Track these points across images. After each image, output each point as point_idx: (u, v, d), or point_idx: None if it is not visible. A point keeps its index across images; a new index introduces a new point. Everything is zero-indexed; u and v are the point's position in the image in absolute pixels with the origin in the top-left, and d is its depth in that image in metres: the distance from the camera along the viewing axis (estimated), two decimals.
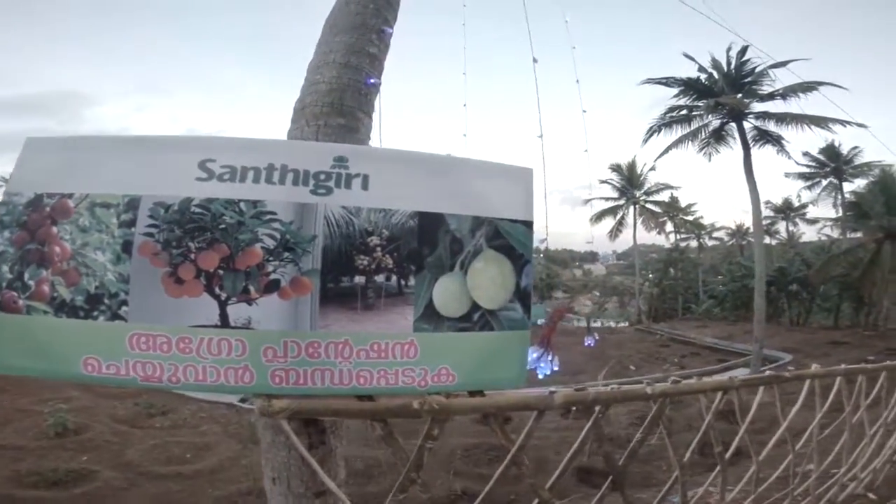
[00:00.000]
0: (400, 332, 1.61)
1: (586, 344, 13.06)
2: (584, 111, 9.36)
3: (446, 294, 1.66)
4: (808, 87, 13.43)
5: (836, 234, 30.67)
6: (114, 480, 7.01)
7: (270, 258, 1.55)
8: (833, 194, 30.58)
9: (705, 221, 38.68)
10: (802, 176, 31.39)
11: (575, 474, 7.42)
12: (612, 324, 32.37)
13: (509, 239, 1.70)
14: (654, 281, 37.52)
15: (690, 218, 38.38)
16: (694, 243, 40.05)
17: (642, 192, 32.66)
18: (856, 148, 29.29)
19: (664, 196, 34.34)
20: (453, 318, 1.66)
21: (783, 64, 13.57)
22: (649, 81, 15.46)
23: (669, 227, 38.36)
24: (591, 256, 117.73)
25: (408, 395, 1.60)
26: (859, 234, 26.00)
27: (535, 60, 8.05)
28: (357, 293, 1.61)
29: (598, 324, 31.30)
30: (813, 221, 35.83)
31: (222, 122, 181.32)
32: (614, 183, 33.09)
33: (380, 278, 1.64)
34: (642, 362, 16.53)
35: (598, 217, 33.58)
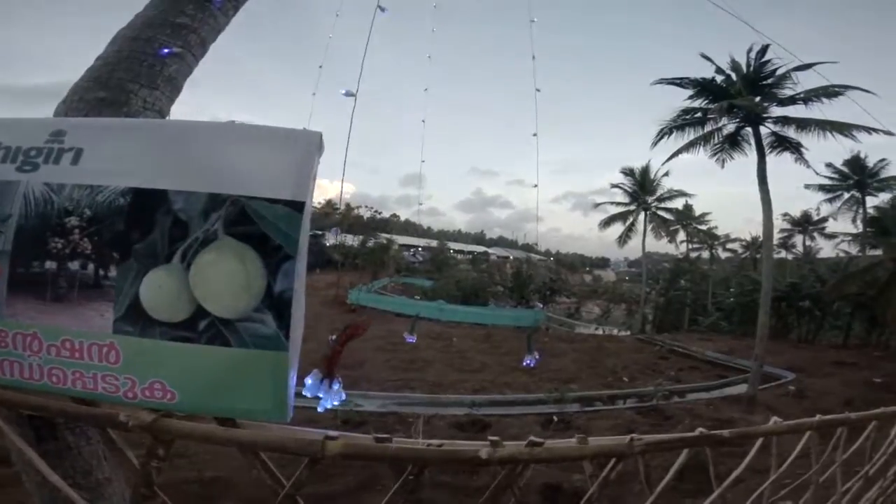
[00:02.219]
0: (98, 331, 1.32)
1: (525, 364, 12.42)
2: (538, 90, 8.94)
3: (158, 292, 1.28)
4: (832, 91, 12.57)
5: (854, 250, 29.50)
6: None
7: None
8: (854, 208, 29.43)
9: (720, 232, 37.63)
10: (823, 188, 30.27)
11: (541, 492, 7.01)
12: (615, 331, 31.62)
13: (262, 224, 1.26)
14: (660, 290, 36.64)
15: (704, 227, 37.41)
16: (706, 254, 39.02)
17: (654, 198, 31.74)
18: (883, 160, 28.08)
19: (678, 203, 33.46)
20: (168, 324, 1.29)
21: (807, 66, 12.60)
22: (662, 81, 14.77)
23: (682, 235, 37.50)
24: (603, 262, 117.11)
25: (121, 405, 1.36)
26: (879, 252, 24.98)
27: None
28: (48, 281, 1.32)
29: (598, 331, 30.66)
30: (831, 236, 34.62)
31: (245, 112, 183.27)
32: (626, 187, 32.26)
33: (74, 265, 1.30)
34: (638, 374, 15.90)
35: (608, 222, 32.89)
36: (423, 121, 11.07)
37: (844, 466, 2.66)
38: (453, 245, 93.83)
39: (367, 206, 48.23)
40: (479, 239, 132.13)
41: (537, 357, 11.18)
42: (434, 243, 79.69)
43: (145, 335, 1.29)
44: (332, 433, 1.38)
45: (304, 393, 1.62)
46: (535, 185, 9.25)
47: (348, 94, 4.22)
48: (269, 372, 1.31)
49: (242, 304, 1.26)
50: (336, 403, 1.76)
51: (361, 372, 14.52)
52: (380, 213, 50.15)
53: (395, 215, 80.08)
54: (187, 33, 2.20)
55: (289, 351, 1.31)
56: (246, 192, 1.28)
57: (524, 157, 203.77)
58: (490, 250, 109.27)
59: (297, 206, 1.29)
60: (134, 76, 2.00)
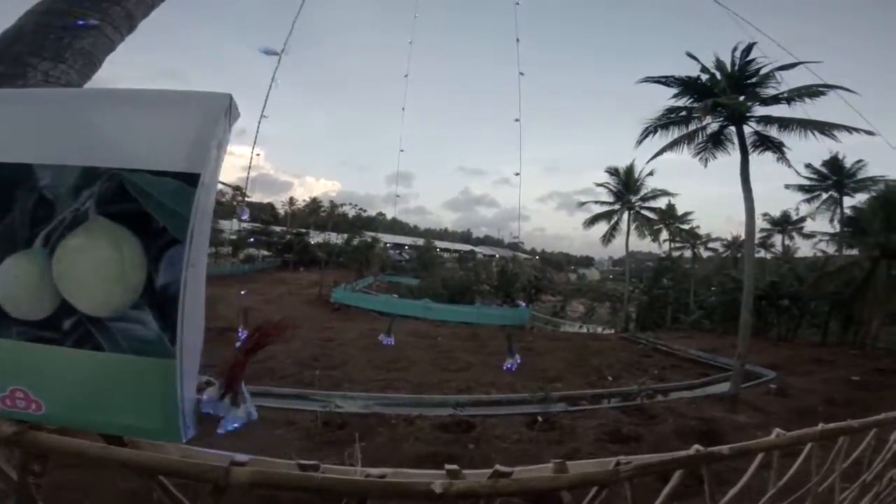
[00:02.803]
0: None
1: (506, 368, 12.18)
2: (522, 73, 8.84)
3: (15, 283, 1.05)
4: (815, 91, 12.60)
5: (831, 250, 30.11)
6: None
7: None
8: (832, 208, 30.04)
9: (702, 231, 38.13)
10: (803, 188, 30.85)
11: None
12: (600, 329, 31.79)
13: (144, 202, 1.04)
14: (643, 289, 36.97)
15: (686, 227, 37.83)
16: (688, 253, 39.49)
17: (638, 197, 31.96)
18: (860, 161, 28.75)
19: (661, 203, 33.77)
20: (27, 322, 1.06)
21: (791, 66, 12.67)
22: (648, 80, 14.71)
23: (665, 234, 37.88)
24: (587, 261, 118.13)
25: None
26: (855, 252, 25.52)
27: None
28: None
29: (582, 329, 30.78)
30: (810, 236, 35.34)
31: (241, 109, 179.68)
32: (610, 187, 32.44)
33: None
34: (622, 372, 15.90)
35: (592, 221, 33.05)
36: (403, 108, 10.87)
37: (841, 474, 2.56)
38: (440, 244, 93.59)
39: (350, 204, 47.60)
40: (465, 237, 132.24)
41: (518, 360, 11.07)
42: (421, 242, 79.31)
43: (0, 335, 1.07)
44: (240, 457, 1.15)
45: (203, 410, 1.35)
46: (517, 174, 9.07)
47: (268, 52, 3.85)
48: (152, 383, 1.09)
49: (116, 299, 1.04)
50: (238, 424, 1.50)
51: (343, 372, 14.27)
52: (364, 211, 49.56)
53: (381, 214, 79.40)
54: (109, 6, 2.07)
55: (177, 358, 1.08)
56: (128, 164, 1.05)
57: (511, 157, 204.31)
58: (477, 249, 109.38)
59: (190, 180, 1.06)
60: (35, 49, 1.86)
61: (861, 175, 28.50)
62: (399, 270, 60.59)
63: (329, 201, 53.56)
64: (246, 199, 19.39)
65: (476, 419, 9.76)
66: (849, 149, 34.05)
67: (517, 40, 8.11)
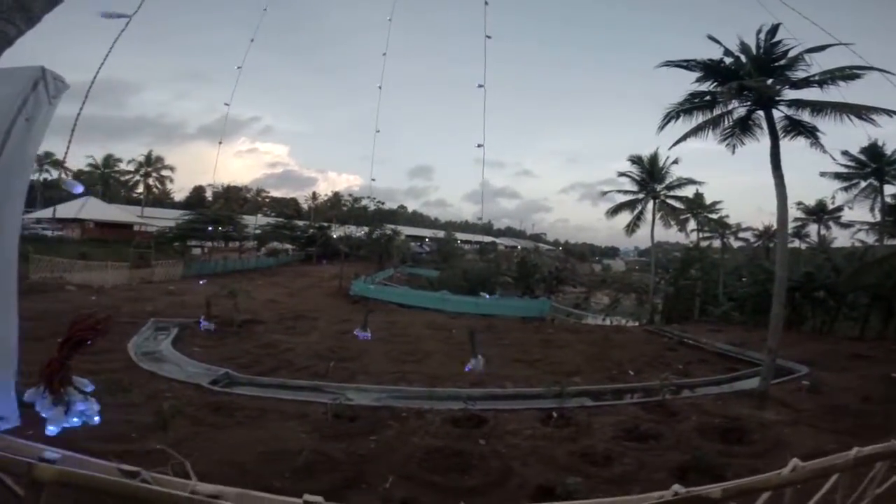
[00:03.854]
0: None
1: (467, 369, 11.62)
2: (489, 36, 8.40)
3: None
4: (850, 74, 11.75)
5: (871, 239, 28.55)
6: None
7: None
8: (872, 196, 28.47)
9: (731, 220, 36.79)
10: (840, 176, 29.37)
11: (533, 496, 6.63)
12: (624, 322, 31.06)
13: None
14: (670, 280, 35.93)
15: (715, 216, 36.57)
16: (717, 243, 38.18)
17: (663, 186, 30.97)
18: None
19: (688, 192, 32.67)
20: None
21: (822, 48, 11.91)
22: (668, 64, 14.03)
23: (692, 224, 36.69)
24: (612, 251, 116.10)
25: None
26: None
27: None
28: None
29: (605, 322, 30.11)
30: (847, 225, 33.66)
31: (261, 110, 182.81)
32: (633, 175, 31.53)
33: None
34: (644, 366, 15.40)
35: (615, 211, 32.25)
36: (379, 87, 10.70)
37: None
38: (461, 235, 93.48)
39: (369, 198, 47.86)
40: (486, 229, 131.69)
41: (482, 361, 10.66)
42: (441, 234, 79.34)
43: None
44: (50, 454, 0.99)
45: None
46: (480, 145, 8.54)
47: (111, 15, 3.39)
48: None
49: None
50: (66, 425, 1.33)
51: (359, 364, 14.27)
52: (382, 204, 49.75)
53: (402, 206, 79.90)
54: None
55: None
56: None
57: (531, 149, 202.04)
58: (498, 240, 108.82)
59: None
60: None
61: None
62: (420, 262, 60.76)
63: (350, 195, 53.97)
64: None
65: (489, 413, 9.58)
66: (890, 135, 32.21)
67: (486, 3, 7.82)
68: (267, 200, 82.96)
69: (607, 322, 30.00)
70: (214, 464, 6.94)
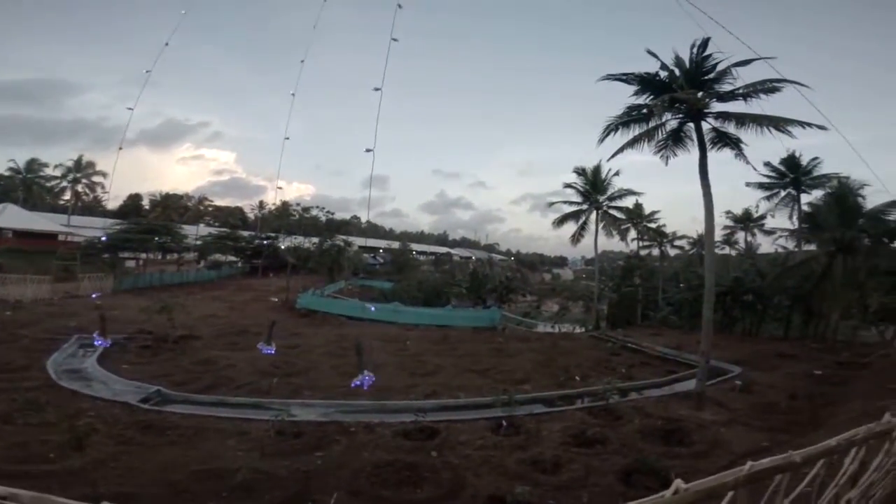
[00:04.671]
0: None
1: (354, 385, 11.59)
2: (395, 39, 8.55)
3: None
4: (770, 87, 12.73)
5: (791, 245, 31.06)
6: None
7: None
8: (790, 205, 30.99)
9: (668, 230, 38.89)
10: (762, 186, 31.73)
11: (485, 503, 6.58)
12: (573, 328, 31.92)
13: None
14: (613, 287, 37.41)
15: (653, 225, 38.52)
16: (656, 251, 40.22)
17: (605, 197, 32.27)
18: (816, 159, 29.84)
19: (628, 202, 34.22)
20: None
21: (746, 62, 12.84)
22: (609, 77, 14.64)
23: (633, 233, 38.46)
24: (561, 261, 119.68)
25: None
26: (813, 247, 26.35)
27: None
28: None
29: (554, 329, 30.83)
30: (770, 232, 36.42)
31: (211, 115, 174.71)
32: (578, 187, 32.65)
33: None
34: (590, 371, 15.83)
35: (561, 221, 33.19)
36: (292, 94, 10.53)
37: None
38: (416, 246, 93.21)
39: (318, 207, 46.75)
40: (442, 240, 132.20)
41: (369, 378, 10.58)
42: (396, 245, 78.72)
43: None
44: None
45: None
46: (369, 150, 8.42)
47: None
48: None
49: None
50: None
51: (305, 379, 13.74)
52: (332, 214, 48.66)
53: (355, 217, 78.55)
54: None
55: None
56: None
57: (486, 160, 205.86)
58: (453, 251, 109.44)
59: None
60: None
61: (817, 172, 29.53)
62: (373, 274, 59.90)
63: (298, 204, 52.43)
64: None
65: (440, 425, 9.47)
66: (806, 147, 35.38)
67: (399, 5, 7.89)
68: (210, 209, 79.07)
69: (556, 329, 30.70)
70: (143, 483, 6.59)
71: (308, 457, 7.89)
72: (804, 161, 29.88)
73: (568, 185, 33.08)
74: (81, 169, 56.43)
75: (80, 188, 58.43)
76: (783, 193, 31.39)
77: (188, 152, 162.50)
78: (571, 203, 33.04)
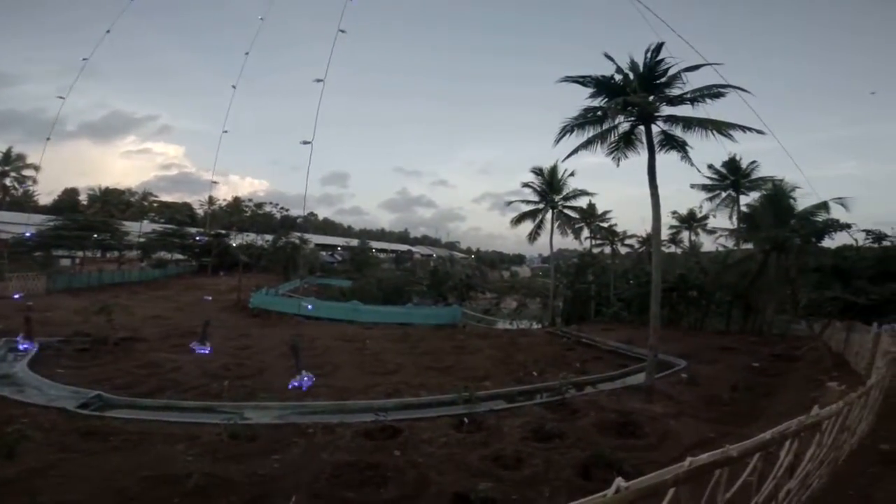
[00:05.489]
0: None
1: (292, 386, 11.59)
2: (342, 31, 8.54)
3: None
4: (716, 92, 13.33)
5: (731, 244, 33.03)
6: None
7: None
8: (731, 206, 32.95)
9: (619, 229, 40.39)
10: (706, 187, 33.59)
11: (450, 503, 6.57)
12: (530, 324, 32.59)
13: None
14: (567, 284, 38.49)
15: (605, 225, 39.88)
16: (608, 249, 41.66)
17: (561, 196, 33.13)
18: (754, 162, 31.96)
19: (582, 202, 35.31)
20: None
21: (695, 67, 13.35)
22: (567, 79, 14.89)
23: (586, 232, 39.69)
24: (519, 258, 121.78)
25: None
26: (751, 246, 28.10)
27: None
28: None
29: (512, 326, 31.38)
30: (712, 232, 38.57)
31: (158, 107, 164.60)
32: (535, 186, 33.34)
33: None
34: (547, 367, 16.19)
35: (518, 220, 33.79)
36: (234, 87, 10.19)
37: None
38: (376, 244, 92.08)
39: (271, 203, 45.22)
40: (403, 238, 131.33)
41: (309, 379, 10.50)
42: (355, 243, 77.42)
43: None
44: None
45: None
46: (307, 142, 8.30)
47: None
48: None
49: None
50: None
51: (259, 381, 13.28)
52: (286, 210, 47.24)
53: (312, 214, 76.58)
54: None
55: None
56: None
57: (448, 159, 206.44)
58: (414, 249, 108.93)
59: None
60: None
61: (754, 175, 31.60)
62: (331, 272, 58.69)
63: (250, 200, 50.54)
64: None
65: (402, 423, 9.39)
66: (747, 151, 37.70)
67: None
68: (155, 205, 74.71)
69: (514, 326, 31.22)
70: (89, 491, 6.25)
71: (264, 460, 7.65)
72: (744, 164, 31.88)
73: (526, 185, 33.76)
74: (10, 162, 51.99)
75: (8, 182, 53.80)
76: (724, 195, 33.36)
77: (134, 146, 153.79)
78: (529, 202, 33.77)
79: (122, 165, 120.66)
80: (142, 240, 50.61)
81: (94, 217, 48.44)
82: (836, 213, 22.85)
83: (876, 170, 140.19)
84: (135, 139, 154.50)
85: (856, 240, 28.78)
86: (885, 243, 29.23)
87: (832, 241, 26.16)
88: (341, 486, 6.82)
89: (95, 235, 42.55)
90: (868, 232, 29.47)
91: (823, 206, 22.91)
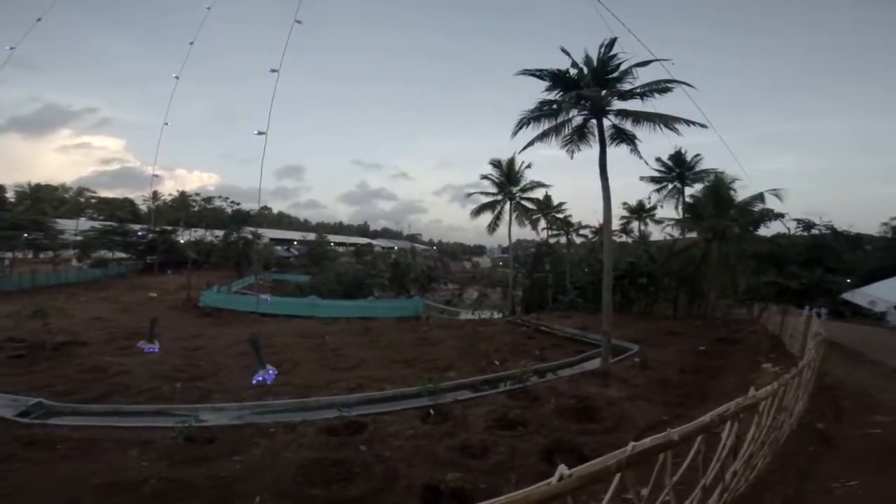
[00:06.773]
0: None
1: (255, 382, 11.41)
2: (299, 21, 8.38)
3: None
4: (663, 87, 13.84)
5: (676, 233, 34.73)
6: None
7: None
8: (676, 197, 34.62)
9: (574, 220, 41.62)
10: (654, 179, 35.08)
11: (420, 494, 6.61)
12: (491, 314, 33.08)
13: None
14: (526, 273, 39.34)
15: (561, 216, 40.98)
16: (563, 239, 42.85)
17: (518, 188, 33.72)
18: (698, 156, 33.66)
19: (539, 194, 36.08)
20: None
21: (646, 63, 13.78)
22: (525, 72, 15.10)
23: (543, 223, 40.64)
24: (480, 250, 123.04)
25: None
26: (695, 234, 29.73)
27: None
28: None
29: (474, 316, 31.77)
30: (660, 221, 40.41)
31: (97, 99, 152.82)
32: (493, 178, 33.74)
33: None
34: (508, 355, 16.54)
35: (478, 211, 34.15)
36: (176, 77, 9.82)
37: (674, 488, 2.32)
38: (334, 238, 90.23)
39: (221, 197, 43.38)
40: (363, 231, 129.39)
41: (271, 372, 10.45)
42: (312, 236, 75.53)
43: None
44: None
45: None
46: (261, 132, 8.10)
47: None
48: None
49: None
50: None
51: (214, 382, 12.81)
52: (238, 205, 45.44)
53: (266, 208, 73.96)
54: None
55: None
56: None
57: (408, 151, 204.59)
58: (374, 242, 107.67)
59: None
60: None
61: (698, 168, 33.31)
62: (287, 267, 57.14)
63: (198, 195, 48.21)
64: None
65: (367, 418, 9.32)
66: (692, 145, 39.71)
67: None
68: (93, 202, 69.89)
69: (476, 316, 31.61)
70: (39, 502, 5.96)
71: (225, 462, 7.40)
72: (688, 157, 33.55)
73: (485, 177, 34.12)
74: None
75: None
76: (670, 186, 34.98)
77: (70, 140, 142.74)
78: (488, 194, 34.18)
79: (57, 161, 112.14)
80: (79, 238, 47.34)
81: (24, 215, 44.83)
82: (772, 203, 24.65)
83: (808, 164, 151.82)
84: (71, 133, 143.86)
85: (788, 228, 31.08)
86: (814, 231, 31.80)
87: (767, 230, 28.15)
88: (307, 483, 6.72)
89: (26, 235, 39.39)
90: (799, 221, 32.00)
91: (760, 197, 24.56)
